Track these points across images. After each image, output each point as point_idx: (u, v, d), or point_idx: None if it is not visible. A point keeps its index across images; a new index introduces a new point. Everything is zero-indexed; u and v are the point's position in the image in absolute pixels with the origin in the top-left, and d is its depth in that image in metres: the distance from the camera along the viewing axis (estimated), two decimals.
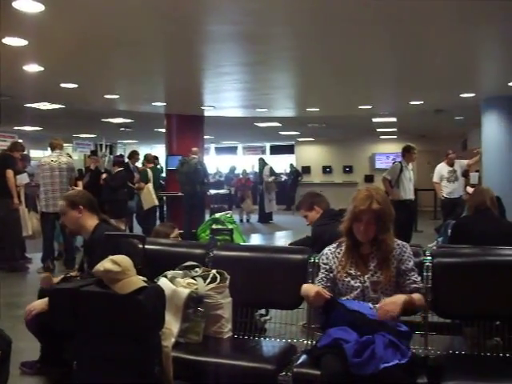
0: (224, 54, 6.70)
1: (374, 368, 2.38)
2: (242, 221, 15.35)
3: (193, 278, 3.18)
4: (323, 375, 2.51)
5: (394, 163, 8.89)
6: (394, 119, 14.02)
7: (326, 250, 3.04)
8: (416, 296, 2.78)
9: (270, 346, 3.24)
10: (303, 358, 2.78)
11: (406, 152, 8.47)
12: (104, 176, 9.73)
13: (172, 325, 2.96)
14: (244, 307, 3.31)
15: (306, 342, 3.16)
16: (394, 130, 17.23)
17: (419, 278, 2.87)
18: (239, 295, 3.22)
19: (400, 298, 2.69)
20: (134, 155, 11.15)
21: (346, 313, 2.67)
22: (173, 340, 2.91)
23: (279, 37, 5.97)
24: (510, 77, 8.26)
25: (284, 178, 20.48)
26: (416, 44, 6.20)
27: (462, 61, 7.10)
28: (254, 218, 15.82)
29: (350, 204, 2.88)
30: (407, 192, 8.32)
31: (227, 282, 3.19)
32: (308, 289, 2.84)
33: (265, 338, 3.40)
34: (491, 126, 10.21)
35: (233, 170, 19.72)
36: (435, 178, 9.89)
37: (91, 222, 3.52)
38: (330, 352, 2.54)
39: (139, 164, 11.48)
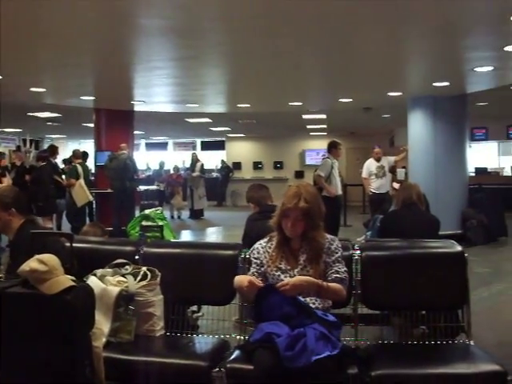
0: (155, 49, 6.60)
1: (305, 360, 2.41)
2: (172, 217, 15.21)
3: (123, 275, 3.12)
4: (256, 369, 2.52)
5: (323, 159, 9.03)
6: (323, 116, 14.26)
7: (256, 245, 3.06)
8: (334, 285, 2.83)
9: (202, 342, 3.23)
10: (236, 353, 2.78)
11: (333, 148, 8.62)
12: (28, 175, 9.43)
13: (102, 324, 2.89)
14: (176, 304, 3.28)
15: (238, 337, 3.17)
16: (324, 126, 17.52)
17: (343, 269, 2.91)
18: (171, 292, 3.19)
19: (309, 278, 2.76)
20: (52, 150, 10.73)
21: (280, 301, 2.70)
22: (104, 340, 2.85)
23: (211, 32, 5.94)
24: (435, 77, 8.57)
25: (216, 174, 20.50)
26: (345, 43, 6.33)
27: (390, 61, 7.31)
28: (186, 214, 15.72)
29: (281, 200, 2.93)
30: (337, 187, 8.50)
31: (158, 279, 3.15)
32: (240, 280, 2.86)
33: (197, 335, 3.37)
34: (417, 124, 10.53)
35: (162, 165, 19.50)
36: (364, 174, 10.14)
37: (17, 221, 3.40)
38: (263, 346, 2.56)
39: (60, 160, 11.05)
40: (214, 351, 2.94)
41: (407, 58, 7.45)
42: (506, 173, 17.29)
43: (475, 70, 7.84)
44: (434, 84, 8.95)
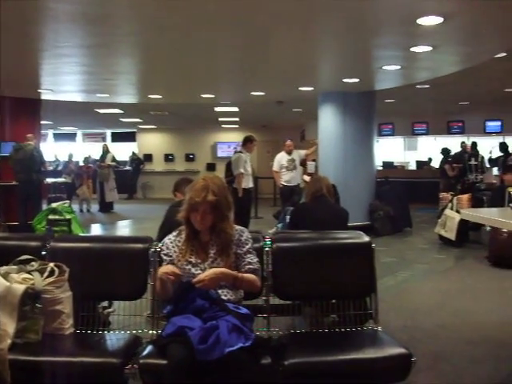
0: (63, 35, 6.32)
1: (219, 353, 2.41)
2: (82, 211, 14.79)
3: (28, 272, 2.97)
4: (169, 364, 2.50)
5: (235, 152, 9.04)
6: (235, 109, 14.32)
7: (165, 240, 3.03)
8: (249, 276, 2.86)
9: (114, 339, 3.14)
10: (149, 348, 2.74)
11: (248, 142, 8.69)
12: None
13: (7, 325, 2.74)
14: (85, 300, 3.18)
15: (151, 332, 3.12)
16: (236, 119, 17.60)
17: (255, 260, 2.94)
18: (80, 288, 3.08)
19: (225, 270, 2.78)
20: None
21: (192, 295, 2.70)
22: (9, 341, 2.70)
23: (122, 20, 5.77)
24: (345, 74, 8.81)
25: (127, 166, 20.07)
26: (257, 38, 6.36)
27: (302, 56, 7.42)
28: (95, 207, 15.29)
29: (188, 193, 2.89)
30: (250, 181, 8.57)
31: (66, 275, 3.02)
32: (165, 270, 2.77)
33: (109, 332, 3.30)
34: (327, 119, 10.78)
35: (70, 157, 18.85)
36: (275, 167, 10.26)
37: None
38: (175, 340, 2.54)
39: None
40: (127, 347, 2.87)
41: (319, 55, 7.60)
42: (411, 167, 18.13)
43: (383, 68, 8.14)
44: (344, 80, 9.20)
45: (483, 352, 4.18)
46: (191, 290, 2.72)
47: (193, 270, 2.84)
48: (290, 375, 2.61)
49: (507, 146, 13.32)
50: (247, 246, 2.95)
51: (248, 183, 8.54)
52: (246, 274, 2.86)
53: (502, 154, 13.08)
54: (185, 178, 4.73)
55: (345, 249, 3.44)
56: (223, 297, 2.81)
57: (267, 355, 2.66)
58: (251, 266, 2.90)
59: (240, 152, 8.69)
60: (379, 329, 3.20)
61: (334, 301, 3.36)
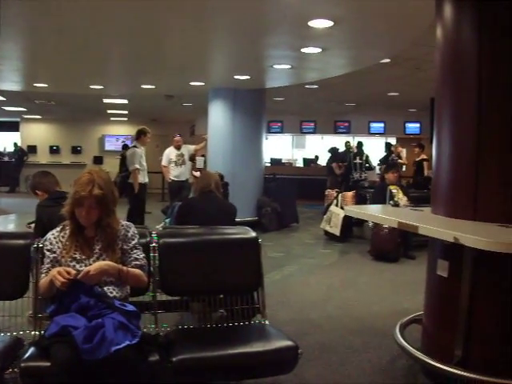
0: None
1: (105, 352, 2.34)
2: None
3: None
4: (53, 366, 2.39)
5: (124, 147, 8.73)
6: (125, 101, 13.98)
7: (49, 235, 2.89)
8: (135, 271, 2.82)
9: None
10: (31, 350, 2.59)
11: (142, 135, 8.46)
12: None
13: None
14: None
15: (33, 333, 2.96)
16: (125, 112, 17.18)
17: (142, 256, 2.90)
18: None
19: (110, 262, 2.72)
20: None
21: (76, 292, 2.60)
22: None
23: (5, 3, 5.40)
24: (237, 70, 8.86)
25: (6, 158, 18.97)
26: (148, 31, 6.21)
27: (193, 51, 7.35)
28: None
29: (72, 187, 2.79)
30: (146, 175, 8.37)
31: None
32: (57, 272, 2.62)
33: None
34: (217, 115, 10.79)
35: None
36: (163, 162, 10.15)
37: None
38: (59, 341, 2.44)
39: None
40: (6, 351, 2.69)
41: (211, 50, 7.57)
42: (299, 164, 18.63)
43: (274, 67, 8.27)
44: (236, 77, 9.26)
45: (366, 341, 4.37)
46: (75, 287, 2.61)
47: (77, 267, 2.74)
48: (179, 371, 2.59)
49: (391, 145, 14.06)
50: (133, 242, 2.90)
51: (144, 178, 8.34)
52: (131, 269, 2.80)
53: (385, 155, 13.78)
54: (41, 173, 4.50)
55: (232, 244, 3.48)
56: (109, 294, 2.74)
57: (155, 352, 2.62)
58: (138, 262, 2.86)
59: (134, 146, 8.42)
60: (267, 322, 3.26)
61: (221, 296, 3.37)
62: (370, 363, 3.93)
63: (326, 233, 9.55)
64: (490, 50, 3.40)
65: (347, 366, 3.87)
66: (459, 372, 3.18)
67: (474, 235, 2.91)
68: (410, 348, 3.62)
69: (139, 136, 8.47)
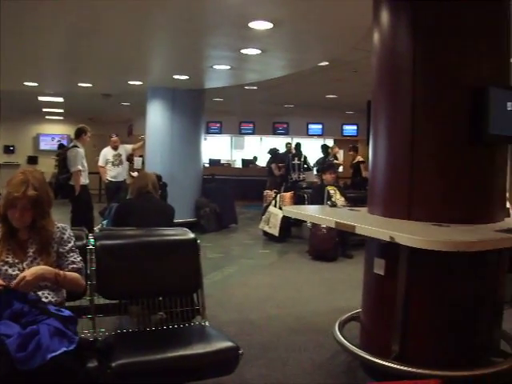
0: None
1: (41, 360, 2.26)
2: None
3: None
4: None
5: (71, 147, 8.27)
6: (60, 99, 13.62)
7: None
8: (72, 274, 2.75)
9: None
10: None
11: (82, 134, 8.17)
12: None
13: None
14: None
15: None
16: (61, 110, 16.74)
17: (79, 259, 2.84)
18: None
19: (45, 267, 2.64)
20: None
21: (8, 298, 2.50)
22: None
23: None
24: (176, 70, 8.79)
25: None
26: (86, 27, 6.06)
27: (132, 49, 7.23)
28: None
29: (5, 189, 2.69)
30: (87, 176, 8.13)
31: None
32: None
33: None
34: (156, 115, 10.67)
35: None
36: (100, 162, 9.97)
37: None
38: None
39: None
40: None
41: (150, 49, 7.47)
42: (238, 165, 18.68)
43: (214, 67, 8.26)
44: (175, 77, 9.18)
45: (306, 339, 4.42)
46: (7, 293, 2.51)
47: (10, 271, 2.63)
48: (118, 377, 2.53)
49: (328, 147, 14.29)
50: (70, 245, 2.83)
51: (86, 179, 8.07)
52: (68, 273, 2.73)
53: (322, 156, 13.98)
54: None
55: (170, 245, 3.45)
56: (44, 299, 2.65)
57: (93, 358, 2.56)
58: (75, 266, 2.79)
59: (75, 146, 8.06)
60: (207, 324, 3.26)
61: (160, 298, 3.33)
62: (310, 361, 3.98)
63: (265, 233, 9.61)
64: (424, 52, 3.51)
65: (288, 365, 3.91)
66: (396, 366, 3.27)
67: (409, 234, 3.00)
68: (349, 345, 3.69)
69: (79, 135, 8.14)
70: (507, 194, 3.96)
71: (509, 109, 3.50)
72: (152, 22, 5.80)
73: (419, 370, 3.19)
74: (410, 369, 3.22)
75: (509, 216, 3.99)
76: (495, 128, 3.39)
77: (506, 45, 3.65)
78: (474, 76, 3.46)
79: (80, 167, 7.77)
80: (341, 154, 14.01)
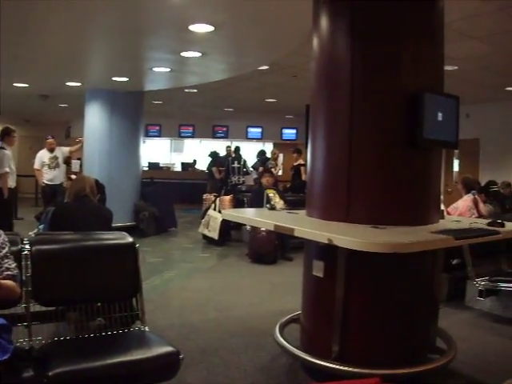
0: None
1: None
2: None
3: None
4: None
5: None
6: None
7: None
8: (7, 282, 2.64)
9: None
10: None
11: (6, 135, 7.97)
12: None
13: None
14: None
15: None
16: None
17: (14, 265, 2.74)
18: None
19: None
20: None
21: None
22: None
23: None
24: (115, 72, 8.65)
25: None
26: (23, 26, 5.88)
27: (69, 49, 7.07)
28: None
29: None
30: (13, 180, 7.85)
31: None
32: None
33: None
34: (94, 117, 10.49)
35: None
36: (36, 165, 9.72)
37: None
38: None
39: None
40: None
41: (88, 49, 7.32)
42: (177, 168, 18.54)
43: (153, 69, 8.19)
44: (114, 78, 9.04)
45: (247, 342, 4.44)
46: None
47: None
48: None
49: (265, 152, 14.38)
50: (4, 251, 2.73)
51: (13, 182, 7.81)
52: (3, 281, 2.62)
53: (258, 159, 14.07)
54: None
55: (108, 250, 3.40)
56: None
57: (29, 367, 2.49)
58: (9, 272, 2.69)
59: (2, 148, 7.82)
60: (146, 329, 3.22)
61: (99, 304, 3.27)
62: (251, 364, 3.99)
63: (205, 237, 9.58)
64: (361, 57, 3.59)
65: (229, 368, 3.90)
66: (337, 366, 3.34)
67: (347, 236, 3.06)
68: (290, 346, 3.74)
69: (4, 137, 7.94)
70: (441, 197, 4.10)
71: (442, 115, 3.63)
72: (90, 21, 5.69)
73: (359, 370, 3.26)
74: (349, 368, 3.30)
75: (443, 218, 4.13)
76: (430, 133, 3.51)
77: (441, 52, 3.79)
78: (410, 81, 3.57)
79: (7, 169, 7.53)
80: (281, 158, 14.12)
